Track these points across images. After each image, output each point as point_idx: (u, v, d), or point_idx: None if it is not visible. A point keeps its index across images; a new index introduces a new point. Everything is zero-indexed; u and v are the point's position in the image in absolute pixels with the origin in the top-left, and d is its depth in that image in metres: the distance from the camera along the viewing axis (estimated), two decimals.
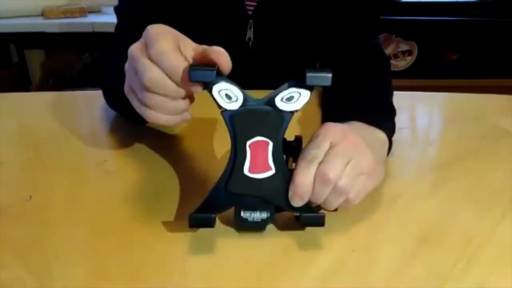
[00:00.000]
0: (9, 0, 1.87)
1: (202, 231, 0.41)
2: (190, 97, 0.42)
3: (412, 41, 2.29)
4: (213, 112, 0.41)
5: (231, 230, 0.42)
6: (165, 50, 0.38)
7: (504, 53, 2.28)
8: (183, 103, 0.41)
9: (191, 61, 0.40)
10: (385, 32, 2.24)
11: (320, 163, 0.40)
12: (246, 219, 0.40)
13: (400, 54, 2.31)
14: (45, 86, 2.12)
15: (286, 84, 0.40)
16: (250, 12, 0.71)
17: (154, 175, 0.51)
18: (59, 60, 2.14)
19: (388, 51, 2.27)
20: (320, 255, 0.39)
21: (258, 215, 0.40)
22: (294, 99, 0.40)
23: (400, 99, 0.62)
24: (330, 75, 0.39)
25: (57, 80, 2.12)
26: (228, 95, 0.39)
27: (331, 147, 0.41)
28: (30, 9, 1.93)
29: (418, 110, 0.77)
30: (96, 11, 2.00)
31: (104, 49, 0.69)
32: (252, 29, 0.72)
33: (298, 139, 0.45)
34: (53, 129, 0.63)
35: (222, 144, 0.55)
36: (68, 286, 0.35)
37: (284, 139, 0.42)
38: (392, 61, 2.28)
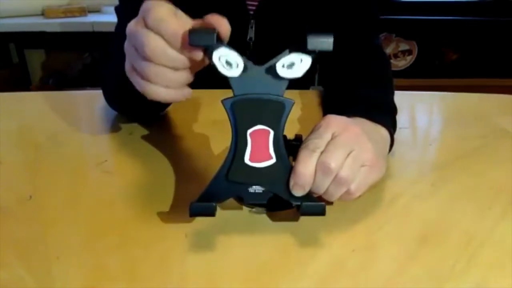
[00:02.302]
0: None
1: (202, 230, 0.41)
2: (190, 71, 0.41)
3: (412, 40, 2.29)
4: (213, 113, 0.41)
5: (231, 229, 0.42)
6: (163, 16, 0.37)
7: (504, 53, 2.28)
8: (183, 76, 0.40)
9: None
10: (385, 32, 2.24)
11: (322, 153, 0.40)
12: (247, 190, 0.40)
13: (400, 54, 2.31)
14: (45, 86, 2.12)
15: (287, 50, 0.39)
16: (251, 12, 0.71)
17: (154, 175, 0.51)
18: (59, 60, 2.14)
19: (388, 50, 2.27)
20: (320, 254, 0.39)
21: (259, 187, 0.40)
22: (295, 66, 0.39)
23: (400, 99, 0.62)
24: (332, 39, 0.38)
25: (57, 80, 2.12)
26: (229, 62, 0.38)
27: (332, 138, 0.41)
28: (30, 8, 1.93)
29: (418, 110, 0.77)
30: (97, 10, 2.01)
31: (104, 48, 0.69)
32: (253, 29, 0.72)
33: (299, 138, 0.45)
34: (53, 129, 0.63)
35: (221, 144, 0.55)
36: (68, 286, 0.35)
37: (285, 137, 0.42)
38: (392, 61, 2.28)
